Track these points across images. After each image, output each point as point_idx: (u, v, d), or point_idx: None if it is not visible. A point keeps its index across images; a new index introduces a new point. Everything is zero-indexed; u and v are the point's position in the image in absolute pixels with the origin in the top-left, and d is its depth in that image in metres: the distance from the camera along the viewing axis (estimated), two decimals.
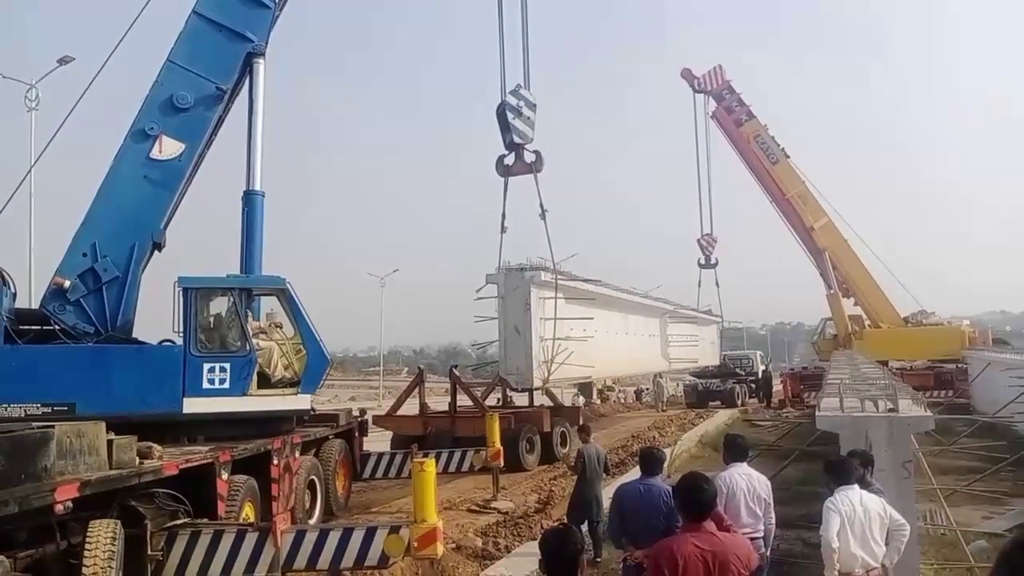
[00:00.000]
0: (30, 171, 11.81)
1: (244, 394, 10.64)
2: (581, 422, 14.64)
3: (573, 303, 20.26)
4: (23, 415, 9.01)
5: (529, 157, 16.52)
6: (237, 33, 11.86)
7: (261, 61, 12.18)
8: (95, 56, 12.06)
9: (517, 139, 16.24)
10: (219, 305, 11.31)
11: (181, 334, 10.86)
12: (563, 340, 17.94)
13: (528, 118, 16.29)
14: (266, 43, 12.22)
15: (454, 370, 20.86)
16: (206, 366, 10.42)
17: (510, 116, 16.02)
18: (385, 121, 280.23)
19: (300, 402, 11.41)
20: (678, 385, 43.96)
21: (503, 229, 17.10)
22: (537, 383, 18.33)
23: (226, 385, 10.49)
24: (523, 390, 18.95)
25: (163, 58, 11.53)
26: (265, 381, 11.03)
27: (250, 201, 12.07)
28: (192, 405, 10.26)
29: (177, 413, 10.18)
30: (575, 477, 11.30)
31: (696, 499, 4.27)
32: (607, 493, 10.26)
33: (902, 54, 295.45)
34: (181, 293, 10.69)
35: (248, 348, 10.79)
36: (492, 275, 18.61)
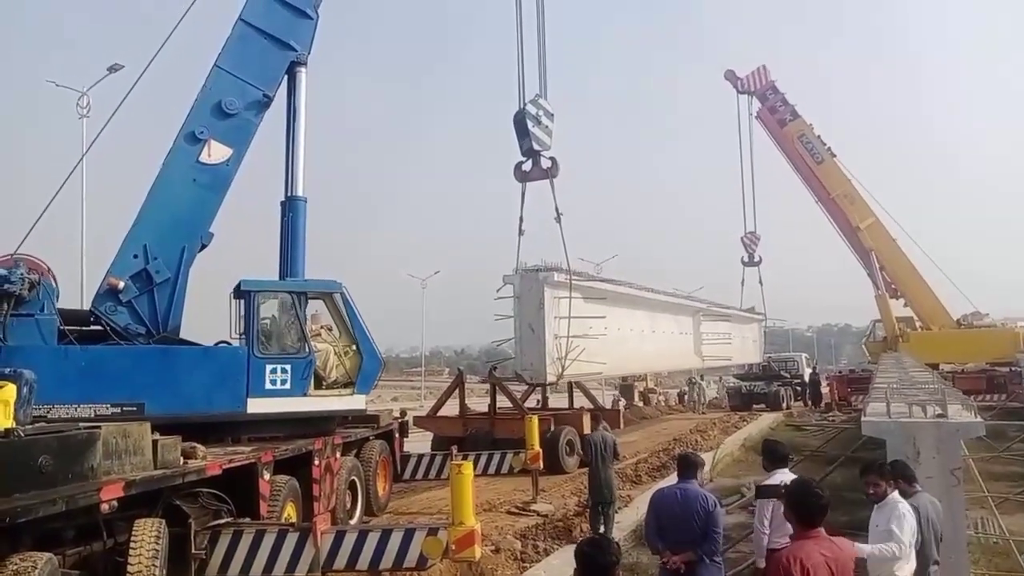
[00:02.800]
0: (74, 170, 11.98)
1: (304, 394, 10.97)
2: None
3: (593, 302, 20.78)
4: (93, 415, 9.10)
5: (545, 163, 16.95)
6: (282, 42, 12.04)
7: (303, 70, 12.38)
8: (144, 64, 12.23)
9: (536, 146, 16.64)
10: (272, 308, 11.53)
11: (239, 336, 11.18)
12: (577, 338, 18.48)
13: (546, 127, 16.75)
14: (308, 52, 12.42)
15: (494, 371, 20.87)
16: (268, 367, 10.69)
17: (530, 124, 16.46)
18: (429, 120, 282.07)
19: (356, 402, 11.79)
20: (721, 385, 43.44)
21: (520, 232, 17.66)
22: (551, 378, 18.90)
23: (287, 386, 10.78)
24: (537, 384, 19.51)
25: (207, 63, 11.69)
26: (318, 382, 11.31)
27: (293, 207, 12.20)
28: (255, 405, 10.51)
29: (241, 413, 10.44)
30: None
31: (814, 506, 4.32)
32: (645, 497, 10.33)
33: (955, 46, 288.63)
34: (243, 296, 10.97)
35: (308, 350, 11.10)
36: (509, 276, 19.30)
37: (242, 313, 11.36)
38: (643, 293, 25.68)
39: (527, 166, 17.07)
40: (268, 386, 10.63)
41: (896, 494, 6.14)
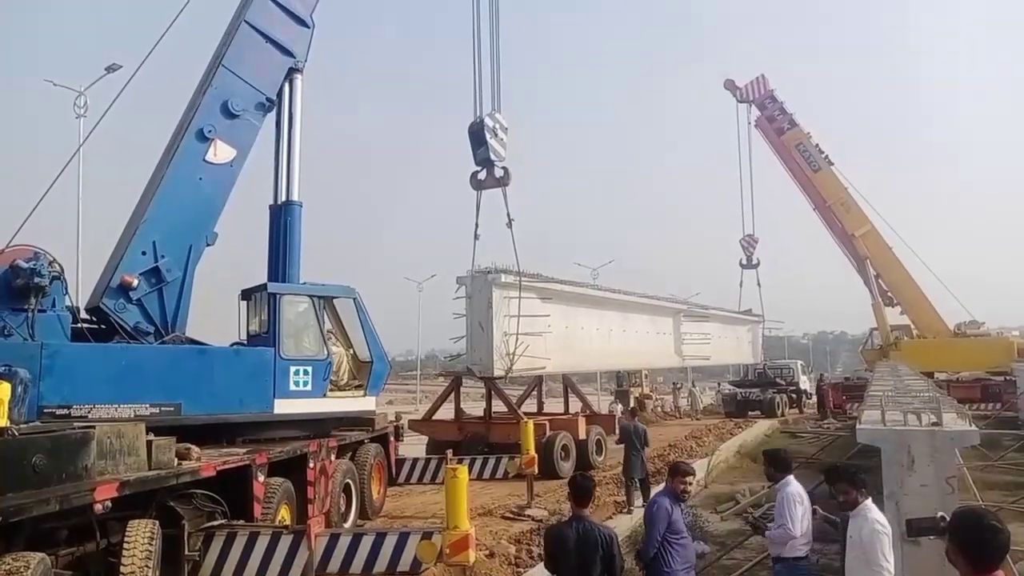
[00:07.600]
0: (64, 168, 11.76)
1: (323, 396, 11.32)
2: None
3: (549, 302, 21.28)
4: (133, 415, 8.93)
5: (498, 172, 17.63)
6: (283, 47, 12.14)
7: (300, 77, 12.53)
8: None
9: (493, 156, 17.29)
10: (295, 311, 11.59)
11: (254, 336, 11.34)
12: (526, 335, 19.21)
13: (502, 139, 17.50)
14: (305, 60, 12.55)
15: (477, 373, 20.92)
16: (292, 369, 10.91)
17: (488, 135, 17.16)
18: (430, 121, 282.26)
19: (367, 403, 12.40)
20: (717, 392, 43.43)
21: (476, 236, 18.30)
22: (499, 373, 19.48)
23: (309, 387, 11.06)
24: (489, 378, 19.97)
25: (201, 62, 11.68)
26: (331, 385, 11.59)
27: (290, 211, 12.22)
28: (281, 406, 10.71)
29: (269, 414, 10.58)
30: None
31: (990, 542, 3.10)
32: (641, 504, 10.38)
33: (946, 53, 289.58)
34: (268, 298, 11.10)
35: (327, 352, 11.44)
36: (462, 277, 20.04)
37: (254, 315, 11.55)
38: (608, 294, 26.15)
39: (482, 175, 17.71)
40: (292, 387, 10.88)
41: (869, 502, 6.05)
